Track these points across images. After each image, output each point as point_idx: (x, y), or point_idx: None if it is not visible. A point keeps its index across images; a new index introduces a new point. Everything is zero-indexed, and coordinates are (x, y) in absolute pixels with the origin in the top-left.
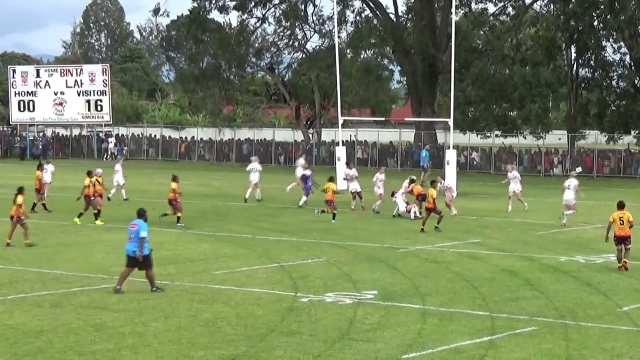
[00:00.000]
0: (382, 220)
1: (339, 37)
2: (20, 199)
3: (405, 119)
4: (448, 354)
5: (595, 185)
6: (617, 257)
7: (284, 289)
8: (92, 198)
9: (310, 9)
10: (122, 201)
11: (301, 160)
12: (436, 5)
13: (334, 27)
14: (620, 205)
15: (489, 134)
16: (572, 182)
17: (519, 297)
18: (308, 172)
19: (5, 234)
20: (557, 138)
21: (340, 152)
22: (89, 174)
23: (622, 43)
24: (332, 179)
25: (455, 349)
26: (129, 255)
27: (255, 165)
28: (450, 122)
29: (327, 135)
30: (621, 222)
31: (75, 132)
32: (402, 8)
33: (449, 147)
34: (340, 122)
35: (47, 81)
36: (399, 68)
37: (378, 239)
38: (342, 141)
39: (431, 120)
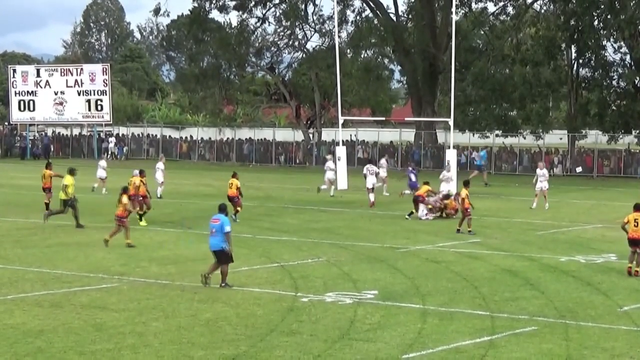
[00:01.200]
0: (382, 220)
1: (339, 36)
2: (125, 199)
3: (406, 119)
4: (448, 353)
5: (596, 185)
6: (629, 258)
7: (284, 289)
8: (143, 198)
9: (310, 8)
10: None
11: (383, 161)
12: (436, 5)
13: (334, 26)
14: (637, 207)
15: (489, 134)
16: None
17: (519, 297)
18: (410, 169)
19: (7, 233)
20: (557, 138)
21: (341, 152)
22: (141, 173)
23: (622, 43)
24: (427, 183)
25: (456, 349)
26: (213, 250)
27: (330, 164)
28: (451, 121)
29: (327, 135)
30: (636, 224)
31: (76, 131)
32: (402, 8)
33: (449, 147)
34: (341, 121)
35: (47, 81)
36: (399, 68)
37: (378, 239)
38: (343, 141)
39: (431, 120)
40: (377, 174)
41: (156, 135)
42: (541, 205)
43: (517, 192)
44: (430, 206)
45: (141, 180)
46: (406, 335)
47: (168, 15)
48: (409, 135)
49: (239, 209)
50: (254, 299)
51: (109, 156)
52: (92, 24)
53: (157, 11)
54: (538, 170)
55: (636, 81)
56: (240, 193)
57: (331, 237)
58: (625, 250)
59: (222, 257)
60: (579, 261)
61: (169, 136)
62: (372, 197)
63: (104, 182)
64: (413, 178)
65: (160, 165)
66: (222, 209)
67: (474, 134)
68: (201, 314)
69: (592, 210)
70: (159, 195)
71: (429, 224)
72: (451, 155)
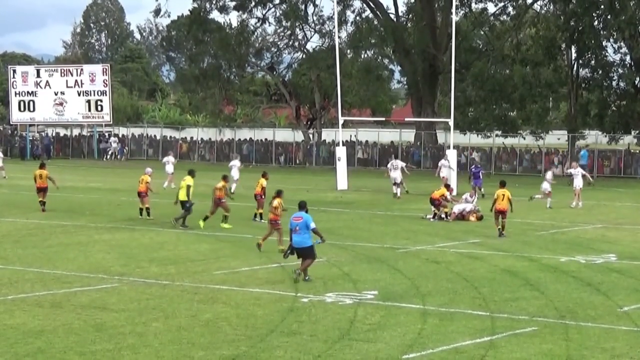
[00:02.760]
0: (382, 220)
1: (339, 37)
2: (276, 202)
3: (406, 119)
4: (448, 354)
5: (596, 186)
6: None
7: (284, 289)
8: (223, 201)
9: (310, 9)
10: (124, 201)
11: (444, 161)
12: (436, 5)
13: (334, 27)
14: None
15: (489, 134)
16: None
17: (519, 297)
18: (475, 169)
19: (7, 234)
20: (557, 138)
21: (341, 152)
22: (225, 178)
23: (622, 43)
24: (448, 186)
25: (456, 349)
26: (297, 247)
27: (397, 162)
28: (451, 122)
29: (327, 135)
30: None
31: (76, 132)
32: (402, 8)
33: (449, 147)
34: (341, 122)
35: (47, 81)
36: (399, 68)
37: (378, 239)
38: (343, 141)
39: (431, 121)
40: (402, 169)
41: (156, 136)
42: (540, 205)
43: (517, 192)
44: (446, 210)
45: (223, 186)
46: (406, 336)
47: (168, 16)
48: (409, 135)
49: (261, 211)
50: (254, 299)
51: (108, 156)
52: (92, 25)
53: (157, 12)
54: (572, 170)
55: (636, 81)
56: (264, 194)
57: (331, 237)
58: (625, 250)
59: (306, 254)
60: (579, 261)
61: (169, 136)
62: (398, 190)
63: (172, 177)
64: (480, 177)
65: (236, 162)
66: (302, 206)
67: (477, 135)
68: (201, 314)
69: (592, 211)
70: (232, 191)
71: (429, 225)
72: (451, 155)
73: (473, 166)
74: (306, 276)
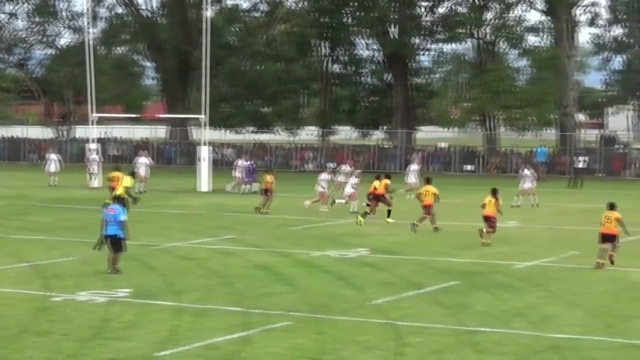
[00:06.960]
0: (137, 217)
1: (91, 32)
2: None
3: (159, 116)
4: (202, 350)
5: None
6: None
7: (35, 289)
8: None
9: (62, 5)
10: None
11: (527, 172)
12: (189, 1)
13: (85, 23)
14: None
15: (242, 130)
16: None
17: (272, 293)
18: (251, 166)
19: None
20: (310, 134)
21: (204, 152)
22: (383, 177)
23: (373, 39)
24: (388, 176)
25: (209, 345)
26: (111, 235)
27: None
28: (205, 118)
29: (80, 132)
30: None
31: None
32: (155, 4)
33: (203, 144)
34: (93, 119)
35: None
36: (153, 64)
37: (132, 237)
38: (95, 138)
39: (185, 117)
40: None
41: None
42: (293, 202)
43: (284, 189)
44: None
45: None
46: (160, 333)
47: None
48: (162, 131)
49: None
50: (4, 299)
51: None
52: None
53: None
54: (520, 171)
55: (386, 78)
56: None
57: (83, 235)
58: (377, 244)
59: (118, 244)
60: (331, 256)
61: None
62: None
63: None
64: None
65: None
66: (119, 200)
67: (230, 131)
68: None
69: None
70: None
71: (182, 221)
72: (204, 152)
73: (249, 163)
74: (115, 266)
